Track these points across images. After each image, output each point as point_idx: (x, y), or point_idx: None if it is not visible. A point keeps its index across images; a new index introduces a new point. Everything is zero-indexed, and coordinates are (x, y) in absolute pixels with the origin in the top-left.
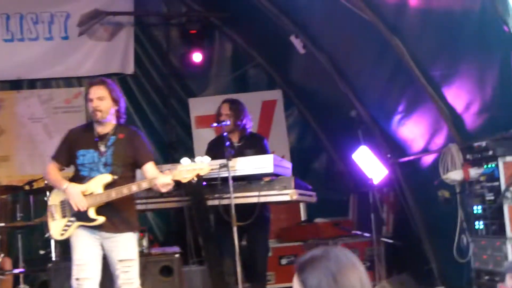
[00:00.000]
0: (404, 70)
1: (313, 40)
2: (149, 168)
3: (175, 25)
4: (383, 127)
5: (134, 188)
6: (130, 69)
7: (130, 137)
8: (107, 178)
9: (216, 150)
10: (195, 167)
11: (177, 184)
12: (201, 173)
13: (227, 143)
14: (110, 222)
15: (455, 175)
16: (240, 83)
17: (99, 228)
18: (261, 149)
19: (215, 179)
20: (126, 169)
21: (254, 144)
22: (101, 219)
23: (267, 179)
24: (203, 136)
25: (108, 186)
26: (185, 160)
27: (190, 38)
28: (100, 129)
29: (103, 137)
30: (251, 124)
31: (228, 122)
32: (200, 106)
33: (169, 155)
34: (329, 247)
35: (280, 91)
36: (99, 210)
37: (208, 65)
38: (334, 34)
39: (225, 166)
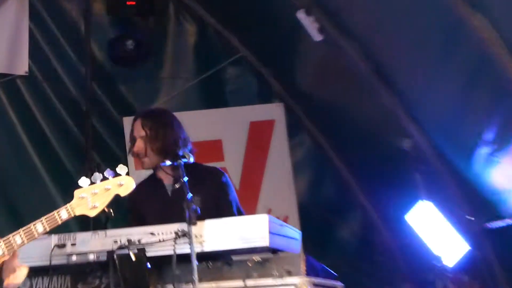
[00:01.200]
0: (493, 69)
1: (336, 19)
2: None
3: None
4: (458, 167)
5: None
6: (21, 67)
7: None
8: None
9: (146, 204)
10: (106, 185)
11: (100, 264)
12: (122, 192)
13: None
14: None
15: None
16: (213, 91)
17: None
18: (218, 195)
19: (166, 258)
20: None
21: (202, 184)
22: None
23: (257, 258)
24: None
25: None
26: (84, 181)
27: (125, 13)
28: None
29: None
30: (191, 150)
31: (142, 151)
32: None
33: (85, 223)
34: None
35: (281, 106)
36: None
37: (157, 60)
38: (372, 10)
39: (185, 235)
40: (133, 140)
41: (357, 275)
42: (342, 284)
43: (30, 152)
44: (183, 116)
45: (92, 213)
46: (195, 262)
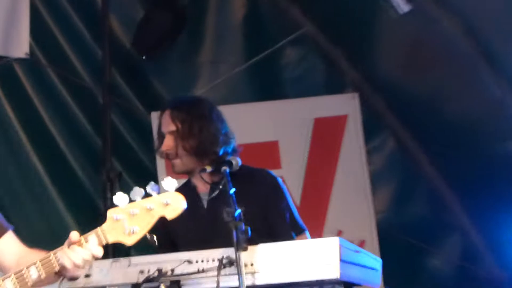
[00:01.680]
0: None
1: None
2: (8, 244)
3: None
4: None
5: None
6: (20, 48)
7: None
8: None
9: (175, 220)
10: (148, 204)
11: None
12: (169, 214)
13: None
14: None
15: None
16: (267, 79)
17: None
18: (268, 203)
19: None
20: None
21: (246, 191)
22: None
23: None
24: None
25: None
26: (121, 197)
27: None
28: None
29: None
30: (234, 149)
31: (173, 151)
32: None
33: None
34: None
35: (356, 97)
36: None
37: (194, 40)
38: None
39: (232, 264)
40: (161, 136)
41: None
42: None
43: (31, 156)
44: (227, 111)
45: (129, 241)
46: None
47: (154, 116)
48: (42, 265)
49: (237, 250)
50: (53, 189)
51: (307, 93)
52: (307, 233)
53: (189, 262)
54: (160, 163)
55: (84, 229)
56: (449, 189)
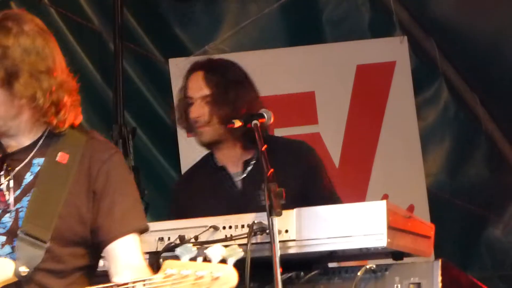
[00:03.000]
0: None
1: None
2: (124, 251)
3: None
4: None
5: None
6: None
7: (92, 164)
8: (6, 272)
9: (203, 202)
10: (201, 270)
11: None
12: None
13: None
14: None
15: None
16: (301, 20)
17: None
18: (307, 181)
19: (236, 263)
20: (66, 251)
21: (282, 166)
22: None
23: (371, 265)
24: (201, 153)
25: None
26: (186, 251)
27: None
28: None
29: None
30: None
31: (205, 118)
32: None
33: None
34: None
35: (405, 41)
36: None
37: None
38: None
39: (264, 230)
40: (186, 101)
41: None
42: None
43: None
44: (256, 57)
45: None
46: (278, 270)
47: (173, 63)
48: None
49: (270, 214)
50: None
51: (349, 36)
52: None
53: (215, 228)
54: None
55: None
56: None
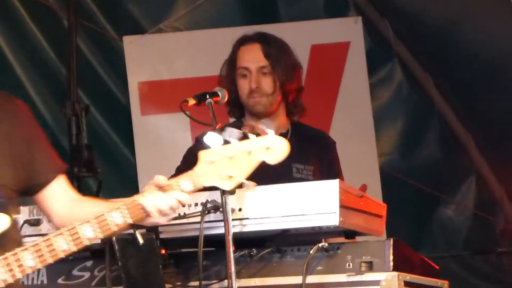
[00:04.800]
0: None
1: None
2: (61, 188)
3: None
4: None
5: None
6: None
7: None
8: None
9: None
10: (246, 147)
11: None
12: (270, 159)
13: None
14: None
15: None
16: (257, 1)
17: None
18: (329, 172)
19: (190, 242)
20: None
21: (309, 153)
22: None
23: (323, 243)
24: (156, 132)
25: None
26: (214, 138)
27: None
28: None
29: None
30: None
31: (271, 88)
32: (154, 57)
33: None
34: None
35: (359, 21)
36: None
37: None
38: None
39: (217, 209)
40: (240, 71)
41: (467, 272)
42: (447, 283)
43: None
44: (210, 36)
45: (226, 186)
46: (231, 249)
47: (127, 40)
48: (128, 208)
49: (223, 193)
50: None
51: (303, 16)
52: None
53: None
54: (134, 95)
55: None
56: (466, 130)
